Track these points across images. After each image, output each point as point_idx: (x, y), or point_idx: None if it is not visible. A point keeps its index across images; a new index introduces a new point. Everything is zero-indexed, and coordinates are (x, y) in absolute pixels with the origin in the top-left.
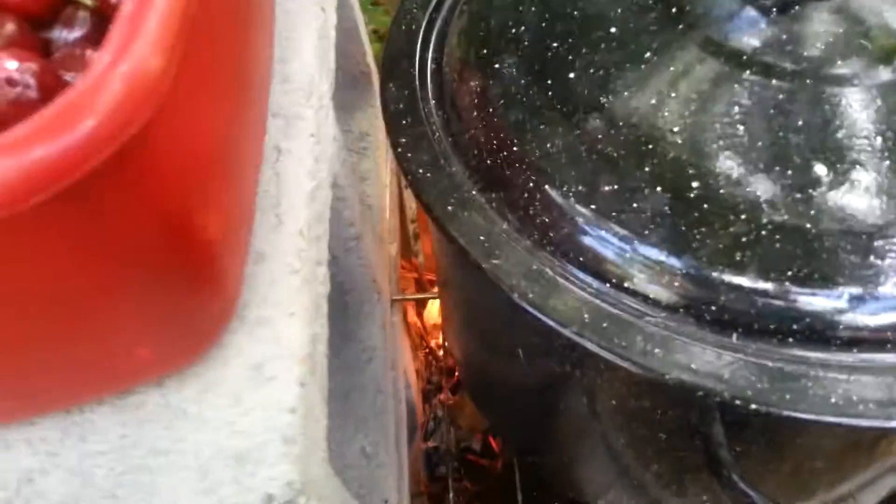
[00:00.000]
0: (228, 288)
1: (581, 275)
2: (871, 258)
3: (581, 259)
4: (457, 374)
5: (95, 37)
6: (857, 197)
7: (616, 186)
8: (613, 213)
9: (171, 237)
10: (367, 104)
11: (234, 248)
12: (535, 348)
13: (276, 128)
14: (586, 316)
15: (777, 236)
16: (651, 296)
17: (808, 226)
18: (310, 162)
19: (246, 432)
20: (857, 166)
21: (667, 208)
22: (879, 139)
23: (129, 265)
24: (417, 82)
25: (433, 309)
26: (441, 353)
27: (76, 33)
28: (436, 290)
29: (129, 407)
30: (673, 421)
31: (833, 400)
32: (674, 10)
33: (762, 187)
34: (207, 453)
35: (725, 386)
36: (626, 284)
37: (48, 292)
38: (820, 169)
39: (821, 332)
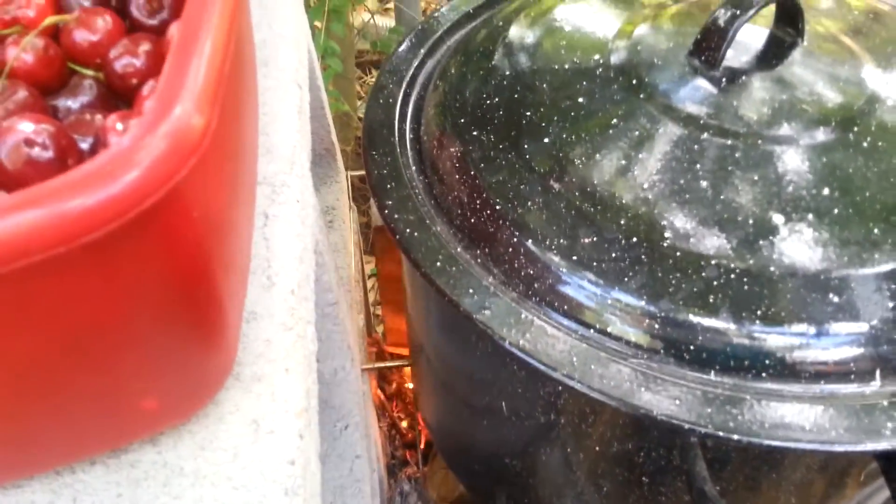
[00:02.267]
0: (229, 343)
1: (566, 322)
2: (829, 298)
3: (565, 307)
4: (422, 446)
5: (100, 104)
6: (813, 243)
7: (593, 239)
8: (592, 264)
9: (188, 288)
10: (332, 180)
11: (235, 305)
12: (519, 399)
13: (264, 195)
14: (574, 359)
15: (744, 280)
16: (633, 339)
17: (772, 269)
18: (297, 225)
19: (246, 486)
20: (811, 216)
21: (642, 258)
22: (825, 190)
23: (146, 314)
24: (398, 150)
25: (394, 383)
26: (404, 425)
27: (82, 100)
28: (400, 359)
29: (123, 466)
30: (656, 461)
31: (807, 428)
32: (634, 81)
33: (727, 236)
34: (204, 498)
35: (709, 420)
36: (608, 329)
37: (65, 339)
38: (777, 218)
39: (790, 368)
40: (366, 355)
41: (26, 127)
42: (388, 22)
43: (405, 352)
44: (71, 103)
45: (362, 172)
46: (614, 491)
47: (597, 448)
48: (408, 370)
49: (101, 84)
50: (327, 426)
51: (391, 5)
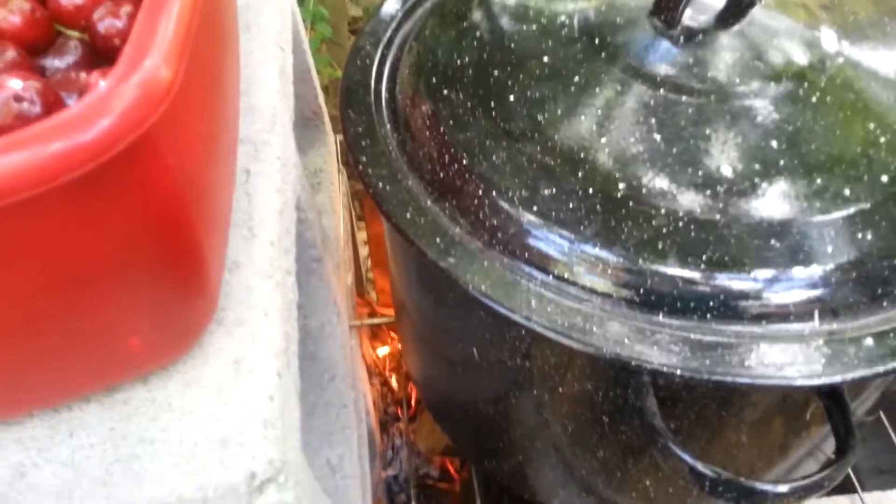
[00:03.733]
0: (211, 289)
1: (527, 269)
2: (771, 244)
3: (526, 255)
4: (413, 402)
5: (85, 63)
6: (757, 193)
7: (553, 191)
8: (552, 215)
9: (166, 232)
10: (319, 143)
11: (216, 254)
12: (487, 344)
13: (245, 153)
14: (534, 303)
15: (692, 228)
16: (588, 285)
17: (718, 218)
18: (277, 181)
19: (228, 420)
20: (757, 166)
21: (598, 208)
22: (774, 143)
23: (129, 256)
24: (374, 108)
25: (386, 342)
26: (395, 384)
27: (67, 60)
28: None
29: (116, 403)
30: (612, 401)
31: (747, 364)
32: (597, 41)
33: (678, 187)
34: (192, 440)
35: (655, 357)
36: (566, 276)
37: (55, 279)
38: (726, 170)
39: (733, 309)
40: (355, 313)
41: (15, 84)
42: None
43: (388, 310)
44: (57, 63)
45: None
46: (578, 431)
47: (559, 390)
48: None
49: (85, 44)
50: (314, 377)
51: None
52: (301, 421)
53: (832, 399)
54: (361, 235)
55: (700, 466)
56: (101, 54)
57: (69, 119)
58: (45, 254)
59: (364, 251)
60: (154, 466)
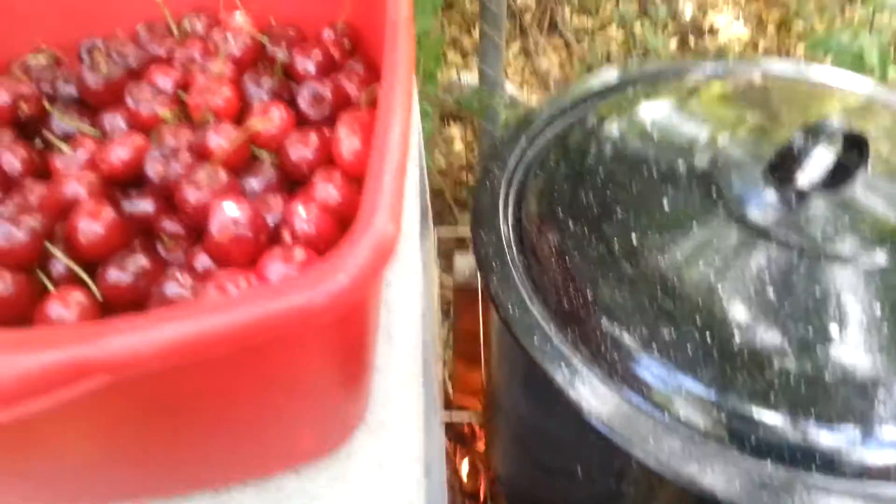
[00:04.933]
0: (365, 396)
1: (646, 406)
2: (873, 405)
3: (645, 392)
4: (482, 495)
5: (277, 185)
6: (861, 354)
7: (672, 334)
8: (670, 356)
9: (352, 354)
10: (425, 238)
11: (372, 364)
12: (593, 465)
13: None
14: (650, 439)
15: (802, 383)
16: (702, 426)
17: (826, 374)
18: (413, 292)
19: None
20: (860, 328)
21: (714, 354)
22: (878, 307)
23: (320, 372)
24: (502, 232)
25: (458, 431)
26: (463, 477)
27: (262, 181)
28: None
29: (271, 489)
30: None
31: None
32: (714, 191)
33: (789, 342)
34: None
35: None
36: (682, 415)
37: (263, 387)
38: (833, 329)
39: (838, 464)
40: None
41: (231, 209)
42: (470, 77)
43: (472, 401)
44: (254, 183)
45: (444, 229)
46: None
47: None
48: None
49: (277, 168)
50: None
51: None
52: None
53: None
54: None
55: None
56: (289, 177)
57: (313, 275)
58: (266, 369)
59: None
60: None
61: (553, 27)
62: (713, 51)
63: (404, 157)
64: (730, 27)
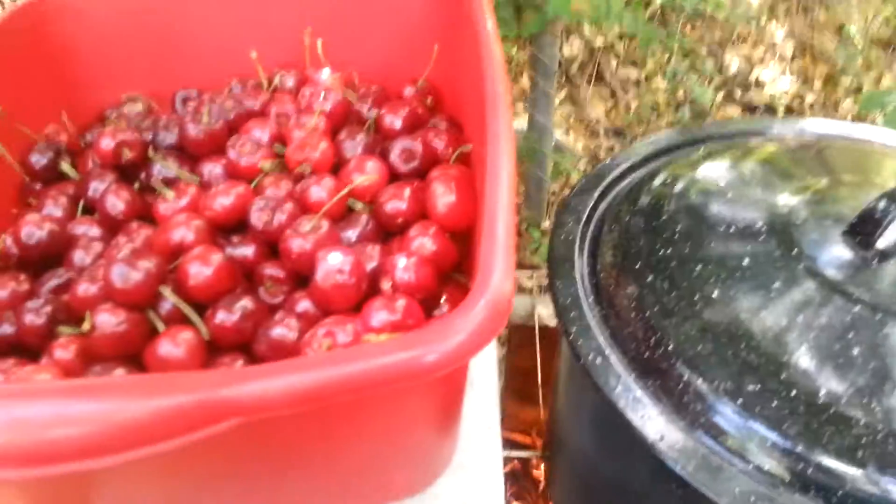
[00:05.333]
0: (455, 438)
1: (724, 452)
2: None
3: (728, 443)
4: None
5: (372, 235)
6: None
7: (757, 388)
8: (755, 409)
9: (453, 402)
10: None
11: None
12: None
13: None
14: (737, 492)
15: (889, 440)
16: (787, 479)
17: None
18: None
19: None
20: None
21: (800, 409)
22: None
23: (426, 420)
24: (578, 282)
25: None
26: None
27: (358, 230)
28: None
29: None
30: None
31: None
32: (791, 249)
33: (872, 399)
34: None
35: None
36: (766, 467)
37: (376, 435)
38: None
39: None
40: None
41: (335, 258)
42: (517, 123)
43: (524, 437)
44: (350, 233)
45: None
46: None
47: None
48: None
49: (372, 218)
50: None
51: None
52: None
53: None
54: None
55: None
56: (384, 228)
57: (439, 331)
58: (375, 416)
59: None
60: None
61: (599, 77)
62: (759, 104)
63: (514, 217)
64: (776, 82)
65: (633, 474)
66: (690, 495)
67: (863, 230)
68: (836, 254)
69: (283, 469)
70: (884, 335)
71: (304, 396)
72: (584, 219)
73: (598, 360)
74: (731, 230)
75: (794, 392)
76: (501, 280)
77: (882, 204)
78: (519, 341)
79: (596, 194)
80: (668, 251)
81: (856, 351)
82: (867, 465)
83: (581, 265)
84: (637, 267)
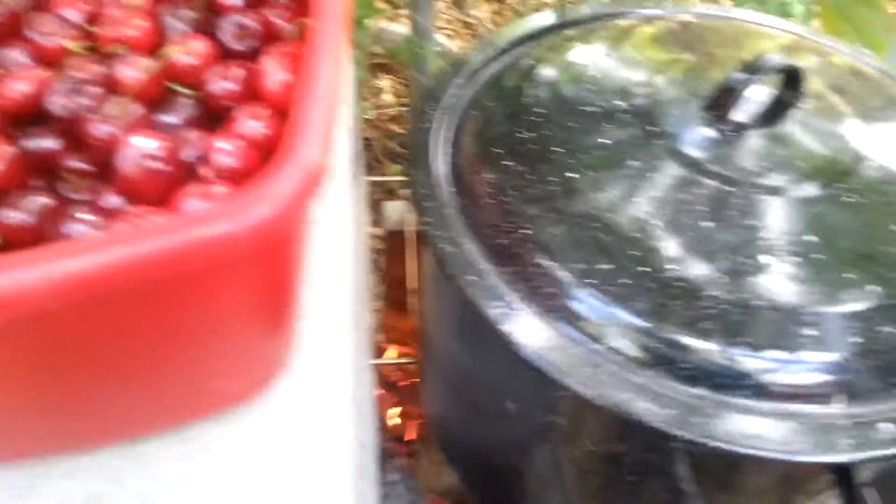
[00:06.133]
0: (290, 339)
1: (578, 335)
2: (797, 330)
3: (578, 323)
4: (410, 438)
5: (196, 121)
6: (789, 282)
7: (607, 266)
8: (606, 289)
9: (277, 294)
10: (356, 185)
11: (296, 307)
12: (526, 400)
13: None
14: (583, 370)
15: (729, 310)
16: (634, 354)
17: (754, 302)
18: (339, 235)
19: (295, 457)
20: (788, 258)
21: (648, 285)
22: (806, 237)
23: (244, 312)
24: (438, 171)
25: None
26: (390, 421)
27: (180, 117)
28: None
29: (194, 437)
30: (641, 463)
31: (776, 439)
32: (649, 127)
33: (720, 272)
34: (259, 473)
35: (693, 428)
36: (614, 345)
37: (180, 328)
38: (763, 259)
39: (765, 387)
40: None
41: (143, 142)
42: (401, 28)
43: (402, 349)
44: (170, 119)
45: (374, 178)
46: (599, 487)
47: (589, 448)
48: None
49: (196, 103)
50: None
51: (404, 11)
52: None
53: (841, 474)
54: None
55: None
56: (212, 113)
57: (239, 203)
58: (181, 309)
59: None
60: (222, 496)
61: None
62: None
63: (335, 89)
64: None
65: (491, 366)
66: (543, 381)
67: (719, 104)
68: (694, 130)
69: (82, 377)
70: (731, 208)
71: (73, 285)
72: (446, 109)
73: (453, 249)
74: (594, 113)
75: (645, 270)
76: (313, 150)
77: (736, 77)
78: (394, 251)
79: (459, 84)
80: (528, 136)
81: (705, 225)
82: (710, 337)
83: (441, 154)
84: (495, 154)
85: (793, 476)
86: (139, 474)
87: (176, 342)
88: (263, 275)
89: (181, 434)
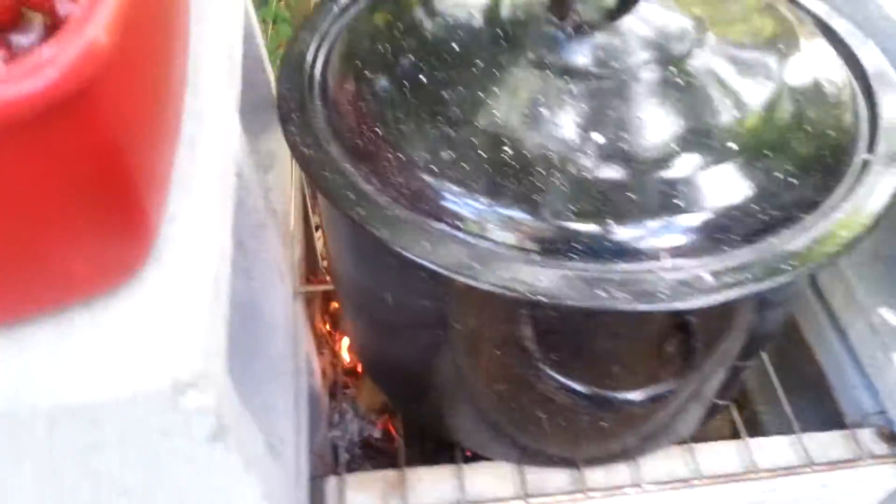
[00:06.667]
0: (146, 231)
1: (434, 223)
2: (633, 198)
3: (432, 211)
4: (360, 370)
5: (46, 42)
6: (624, 158)
7: (452, 154)
8: (449, 173)
9: (105, 177)
10: (273, 128)
11: (153, 202)
12: (398, 288)
13: (192, 124)
14: (443, 253)
15: (570, 184)
16: (474, 230)
17: (591, 177)
18: (219, 148)
19: (160, 335)
20: (626, 137)
21: (490, 167)
22: (639, 115)
23: (71, 194)
24: (306, 86)
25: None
26: (345, 354)
27: (31, 38)
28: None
29: (62, 322)
30: (497, 333)
31: (615, 295)
32: (501, 32)
33: (570, 153)
34: (126, 352)
35: (535, 288)
36: (455, 223)
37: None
38: (597, 137)
39: (598, 250)
40: (302, 283)
41: None
42: None
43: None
44: (21, 40)
45: None
46: (475, 366)
47: (456, 327)
48: None
49: (48, 25)
50: (256, 330)
51: None
52: (240, 369)
53: (681, 326)
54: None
55: (568, 382)
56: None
57: (18, 70)
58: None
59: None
60: (91, 373)
61: None
62: None
63: None
64: None
65: (365, 264)
66: (402, 265)
67: (558, 3)
68: (538, 31)
69: None
70: (574, 97)
71: None
72: (321, 31)
73: (311, 151)
74: (445, 21)
75: (487, 155)
76: (100, 27)
77: None
78: None
79: (337, 10)
80: (385, 47)
81: (544, 113)
82: (541, 209)
83: (312, 73)
84: (358, 64)
85: (637, 330)
86: (15, 357)
87: (11, 220)
88: (79, 155)
89: (53, 318)
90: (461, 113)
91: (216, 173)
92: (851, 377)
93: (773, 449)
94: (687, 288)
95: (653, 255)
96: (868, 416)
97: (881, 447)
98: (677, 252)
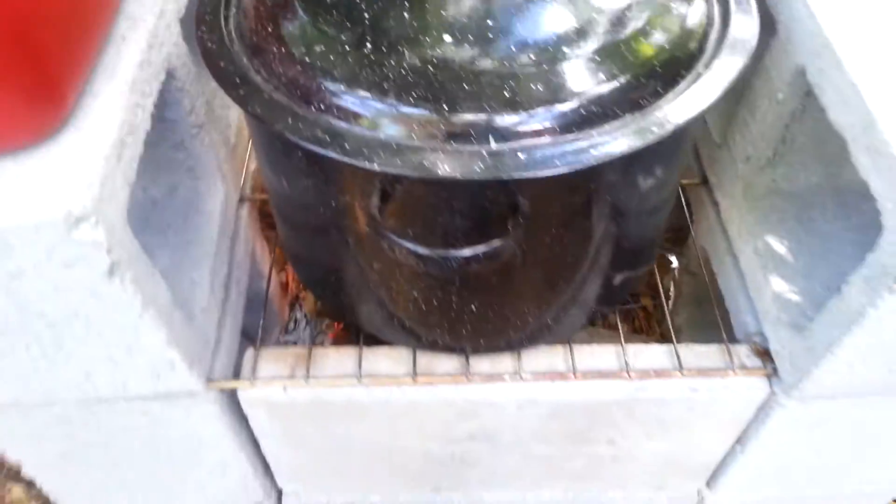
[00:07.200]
0: (58, 98)
1: (305, 107)
2: (487, 85)
3: (303, 95)
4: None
5: None
6: (482, 50)
7: (324, 48)
8: (324, 67)
9: (9, 45)
10: None
11: (66, 74)
12: (290, 171)
13: (125, 25)
14: (325, 136)
15: (437, 73)
16: (336, 114)
17: (456, 66)
18: (143, 46)
19: (64, 181)
20: (475, 36)
21: (369, 63)
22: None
23: None
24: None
25: None
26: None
27: None
28: None
29: None
30: (349, 207)
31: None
32: None
33: (440, 47)
34: (35, 190)
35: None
36: (322, 106)
37: None
38: (446, 37)
39: (444, 133)
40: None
41: None
42: None
43: None
44: None
45: None
46: (345, 244)
47: (331, 203)
48: None
49: None
50: (197, 224)
51: None
52: (176, 255)
53: (508, 196)
54: None
55: (411, 245)
56: None
57: None
58: None
59: None
60: (5, 204)
61: None
62: None
63: None
64: None
65: (265, 154)
66: (286, 147)
67: None
68: None
69: None
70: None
71: None
72: None
73: (216, 47)
74: None
75: (365, 51)
76: None
77: None
78: None
79: None
80: None
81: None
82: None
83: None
84: None
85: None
86: None
87: None
88: None
89: None
90: (338, 15)
91: (137, 62)
92: (741, 301)
93: (649, 354)
94: (502, 165)
95: (480, 136)
96: (750, 336)
97: (753, 361)
98: (498, 135)
